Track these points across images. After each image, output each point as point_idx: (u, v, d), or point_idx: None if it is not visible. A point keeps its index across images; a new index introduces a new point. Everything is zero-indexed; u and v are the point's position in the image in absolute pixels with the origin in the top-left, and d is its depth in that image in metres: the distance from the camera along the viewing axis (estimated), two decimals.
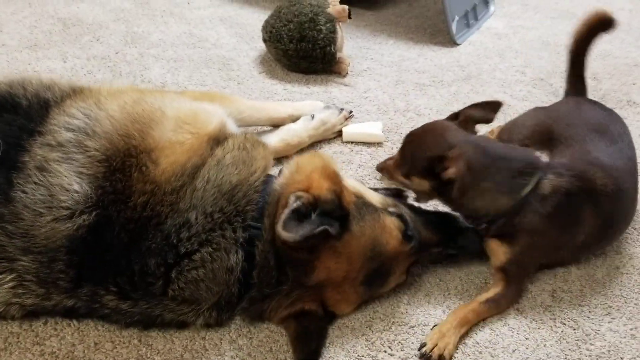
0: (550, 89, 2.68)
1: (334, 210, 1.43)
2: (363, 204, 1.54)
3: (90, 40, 2.86)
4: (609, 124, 1.80)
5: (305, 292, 1.47)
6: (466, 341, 1.56)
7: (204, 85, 2.57)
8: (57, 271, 1.38)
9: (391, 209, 1.59)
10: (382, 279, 1.55)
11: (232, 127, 1.71)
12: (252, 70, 2.72)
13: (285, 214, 1.37)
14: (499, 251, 1.63)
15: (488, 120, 1.74)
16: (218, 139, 1.56)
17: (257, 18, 3.10)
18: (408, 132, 1.76)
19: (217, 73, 2.67)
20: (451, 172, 1.54)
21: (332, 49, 2.58)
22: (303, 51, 2.57)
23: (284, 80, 2.64)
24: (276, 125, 2.21)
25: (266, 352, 1.51)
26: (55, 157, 1.39)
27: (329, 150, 2.21)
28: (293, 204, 1.40)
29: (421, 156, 1.61)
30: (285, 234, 1.35)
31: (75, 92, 1.57)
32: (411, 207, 1.68)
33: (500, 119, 2.43)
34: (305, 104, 2.32)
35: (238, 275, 1.42)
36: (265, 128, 2.23)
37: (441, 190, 1.61)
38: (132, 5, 3.22)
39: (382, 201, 1.62)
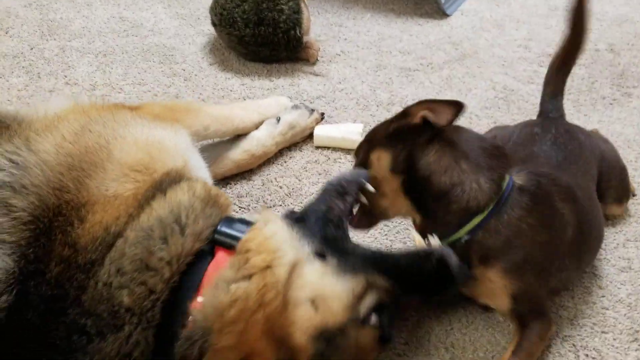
0: None
1: None
2: None
3: None
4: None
5: None
6: None
7: (143, 84, 2.66)
8: None
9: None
10: None
11: (191, 168, 1.71)
12: (201, 61, 2.81)
13: None
14: (496, 289, 1.64)
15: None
16: (160, 188, 1.54)
17: None
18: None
19: (158, 67, 2.76)
20: (420, 114, 1.62)
21: (298, 32, 2.69)
22: (262, 37, 2.68)
23: (240, 72, 2.75)
24: (242, 134, 2.32)
25: None
26: None
27: (301, 160, 2.33)
28: None
29: (382, 128, 1.72)
30: None
31: None
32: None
33: (503, 109, 2.59)
34: (271, 104, 2.42)
35: None
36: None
37: (410, 162, 1.63)
38: None
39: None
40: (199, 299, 1.39)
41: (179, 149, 1.70)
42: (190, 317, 1.37)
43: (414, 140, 1.64)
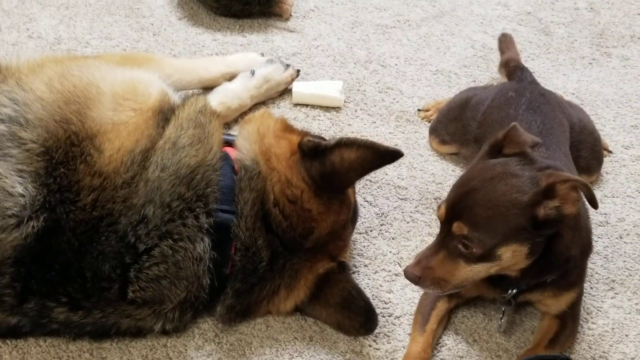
0: (539, 25, 3.15)
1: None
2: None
3: None
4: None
5: (310, 256, 1.92)
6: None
7: (110, 38, 2.88)
8: (2, 286, 1.70)
9: None
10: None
11: (173, 96, 2.08)
12: (169, 15, 3.04)
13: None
14: (562, 300, 1.94)
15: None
16: (164, 113, 1.92)
17: None
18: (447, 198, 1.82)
19: (125, 21, 2.98)
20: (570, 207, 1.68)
21: None
22: None
23: (211, 27, 2.99)
24: (208, 87, 2.59)
25: (239, 356, 1.90)
26: None
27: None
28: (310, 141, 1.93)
29: (510, 214, 1.68)
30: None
31: None
32: None
33: (482, 67, 2.88)
34: (239, 58, 2.71)
35: (208, 264, 1.80)
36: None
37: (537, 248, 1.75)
38: None
39: None
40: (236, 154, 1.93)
41: (157, 82, 2.06)
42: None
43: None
